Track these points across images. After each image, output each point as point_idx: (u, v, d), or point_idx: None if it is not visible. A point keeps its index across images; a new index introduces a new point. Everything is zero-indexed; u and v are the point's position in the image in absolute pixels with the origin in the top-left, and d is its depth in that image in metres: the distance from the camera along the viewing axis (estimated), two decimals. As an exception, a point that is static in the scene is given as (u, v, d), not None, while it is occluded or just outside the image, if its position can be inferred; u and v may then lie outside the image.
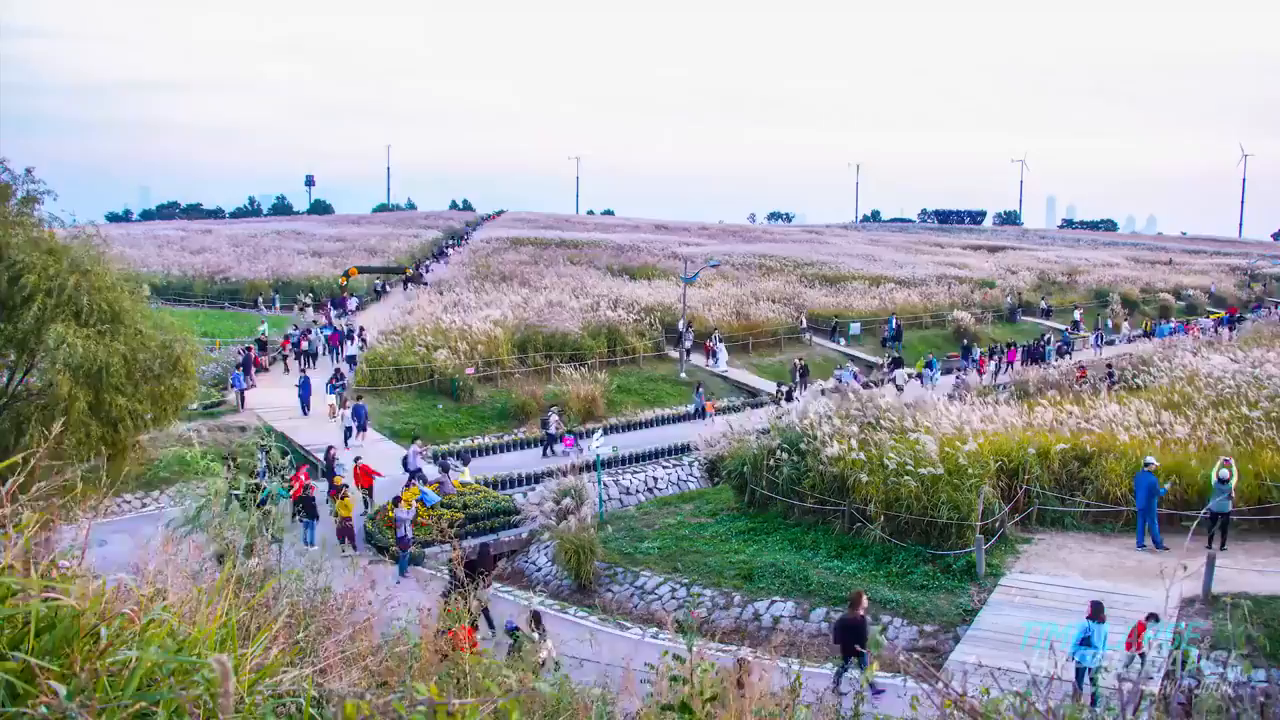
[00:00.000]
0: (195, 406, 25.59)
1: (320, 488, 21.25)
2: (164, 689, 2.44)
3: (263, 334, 36.75)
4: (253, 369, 31.60)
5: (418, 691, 2.52)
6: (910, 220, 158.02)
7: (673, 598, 16.64)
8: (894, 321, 46.87)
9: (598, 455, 22.16)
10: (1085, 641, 11.49)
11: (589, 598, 17.36)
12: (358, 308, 44.58)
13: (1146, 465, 16.76)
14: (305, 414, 28.49)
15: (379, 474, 21.88)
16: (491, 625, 14.23)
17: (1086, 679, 10.96)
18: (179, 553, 4.12)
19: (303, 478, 19.75)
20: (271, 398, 29.85)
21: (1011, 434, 19.59)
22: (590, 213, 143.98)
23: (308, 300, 46.47)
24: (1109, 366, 30.73)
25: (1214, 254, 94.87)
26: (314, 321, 41.37)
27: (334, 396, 28.72)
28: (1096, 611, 11.80)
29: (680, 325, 38.79)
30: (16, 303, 13.07)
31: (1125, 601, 14.27)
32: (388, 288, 49.22)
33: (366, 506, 21.10)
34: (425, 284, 48.64)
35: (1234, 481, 16.18)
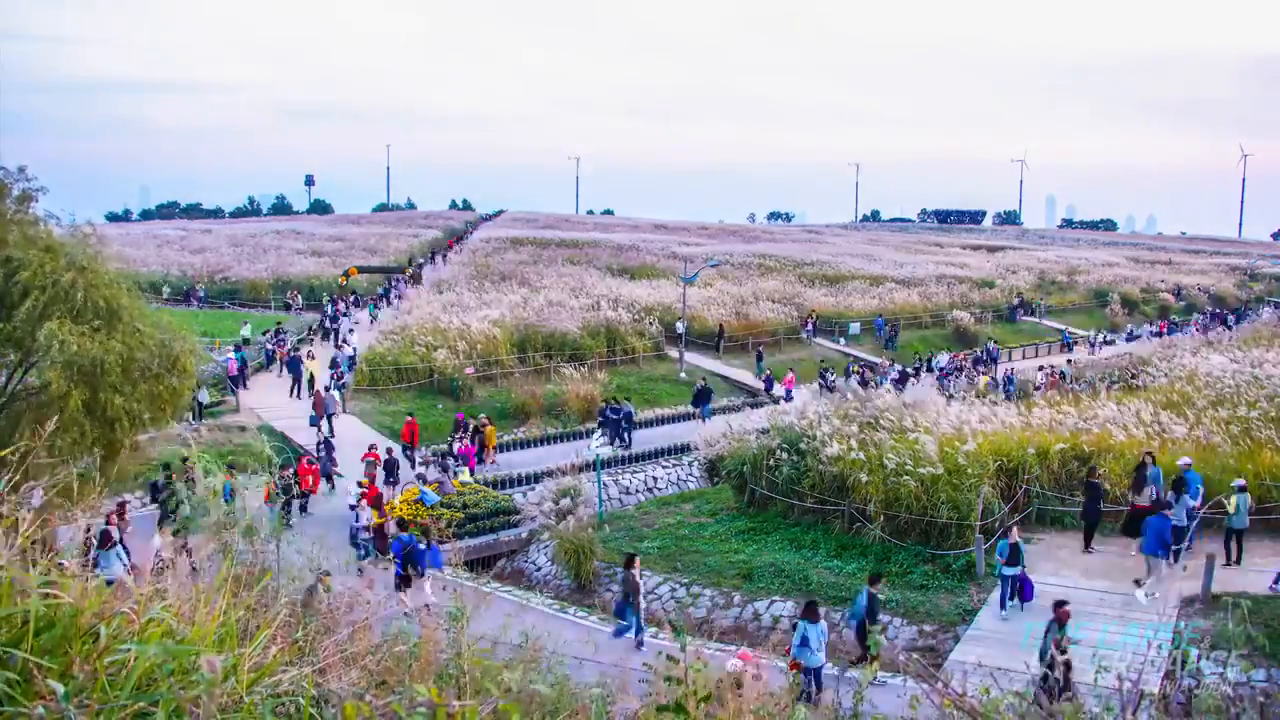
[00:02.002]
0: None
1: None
2: (163, 688, 2.43)
3: (246, 336, 36.46)
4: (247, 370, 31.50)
5: (418, 693, 2.52)
6: (910, 220, 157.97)
7: (672, 597, 16.64)
8: (882, 323, 46.14)
9: (597, 455, 22.15)
10: (804, 642, 11.80)
11: (589, 597, 17.35)
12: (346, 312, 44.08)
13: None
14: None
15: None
16: None
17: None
18: (178, 552, 4.11)
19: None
20: (269, 398, 29.89)
21: (1010, 434, 19.58)
22: (590, 213, 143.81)
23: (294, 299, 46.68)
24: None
25: (1214, 254, 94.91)
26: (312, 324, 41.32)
27: (338, 394, 28.69)
28: (809, 611, 12.13)
29: (679, 326, 38.83)
30: (13, 300, 13.05)
31: (1125, 601, 14.29)
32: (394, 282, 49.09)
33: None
34: (421, 283, 48.68)
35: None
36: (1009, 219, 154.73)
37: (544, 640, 5.87)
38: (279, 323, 39.19)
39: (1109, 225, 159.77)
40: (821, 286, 53.02)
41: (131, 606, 2.77)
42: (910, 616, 14.85)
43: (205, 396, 27.40)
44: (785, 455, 19.20)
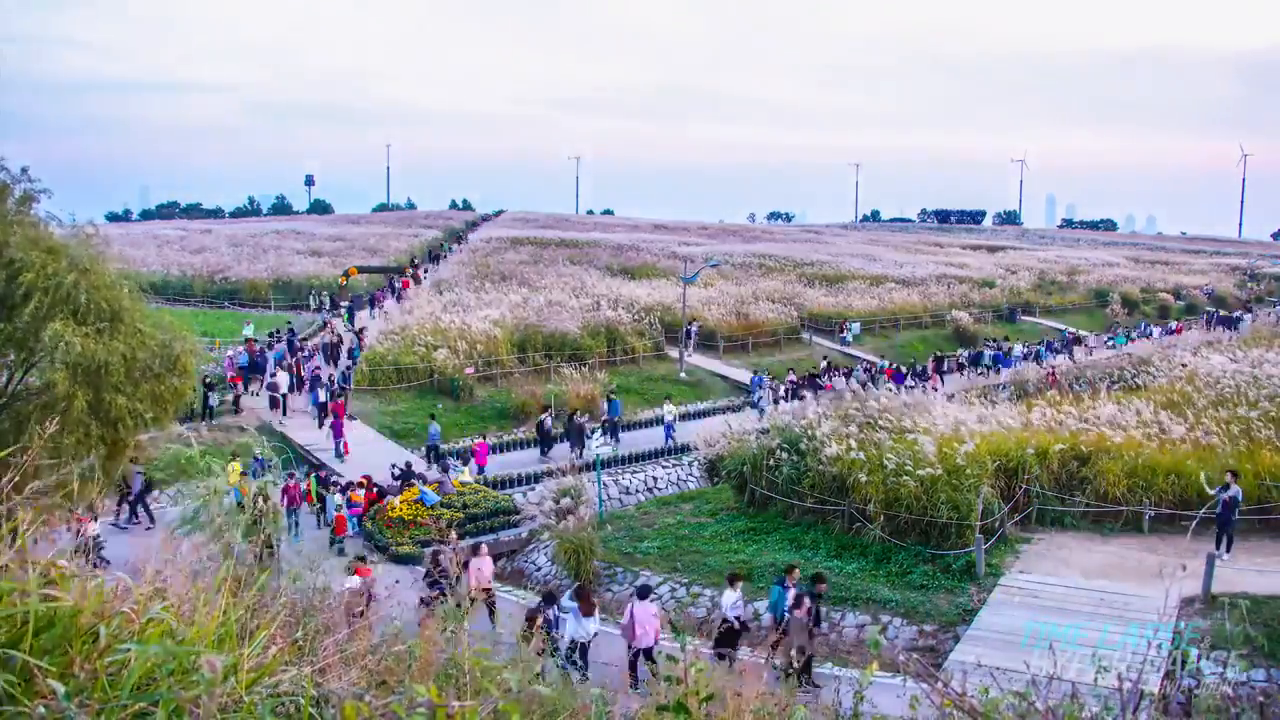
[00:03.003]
0: (195, 407, 25.63)
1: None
2: (163, 688, 2.43)
3: (249, 335, 36.37)
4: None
5: (418, 693, 2.52)
6: (910, 220, 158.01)
7: (672, 597, 16.63)
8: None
9: (597, 455, 22.16)
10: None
11: (588, 597, 17.34)
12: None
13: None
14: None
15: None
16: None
17: None
18: (178, 552, 4.11)
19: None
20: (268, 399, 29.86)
21: (1010, 434, 19.59)
22: (590, 213, 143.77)
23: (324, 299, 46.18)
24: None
25: (1214, 254, 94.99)
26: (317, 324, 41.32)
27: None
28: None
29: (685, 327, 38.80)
30: (15, 301, 13.05)
31: (1125, 601, 14.28)
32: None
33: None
34: (422, 283, 48.70)
35: None
36: (1009, 219, 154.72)
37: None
38: (289, 322, 39.15)
39: (1109, 225, 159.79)
40: (821, 286, 53.04)
41: (131, 606, 2.78)
42: (910, 616, 14.85)
43: (215, 400, 27.62)
44: (785, 455, 19.20)
